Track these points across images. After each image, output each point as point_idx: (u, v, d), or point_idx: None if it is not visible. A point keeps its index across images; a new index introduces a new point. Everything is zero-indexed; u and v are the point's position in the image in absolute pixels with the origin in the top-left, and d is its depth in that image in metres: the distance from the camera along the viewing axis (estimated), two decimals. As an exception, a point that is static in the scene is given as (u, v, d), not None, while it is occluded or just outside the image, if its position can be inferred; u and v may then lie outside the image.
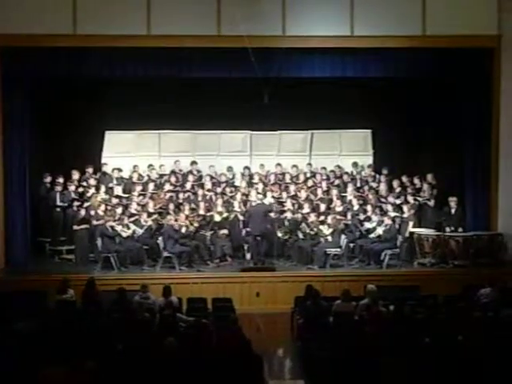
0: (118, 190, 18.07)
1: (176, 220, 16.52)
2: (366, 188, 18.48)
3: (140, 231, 16.68)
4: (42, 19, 16.07)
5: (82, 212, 16.78)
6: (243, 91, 17.76)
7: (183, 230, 16.38)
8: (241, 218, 17.40)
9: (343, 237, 16.51)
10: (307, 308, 12.44)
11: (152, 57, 16.67)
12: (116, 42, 16.20)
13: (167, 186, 18.28)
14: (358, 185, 18.81)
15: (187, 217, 16.80)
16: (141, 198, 17.86)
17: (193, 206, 17.57)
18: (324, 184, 18.62)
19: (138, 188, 18.08)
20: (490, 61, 17.07)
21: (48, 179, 17.82)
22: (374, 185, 18.64)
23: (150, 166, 19.13)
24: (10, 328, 10.32)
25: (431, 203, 17.64)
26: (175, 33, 16.29)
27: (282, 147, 20.26)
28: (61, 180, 17.69)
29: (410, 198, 17.56)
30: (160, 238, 16.34)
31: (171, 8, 16.34)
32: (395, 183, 18.34)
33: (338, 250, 16.41)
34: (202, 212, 17.33)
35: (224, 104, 18.49)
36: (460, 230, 16.88)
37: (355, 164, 19.61)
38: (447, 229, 16.90)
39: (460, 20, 16.64)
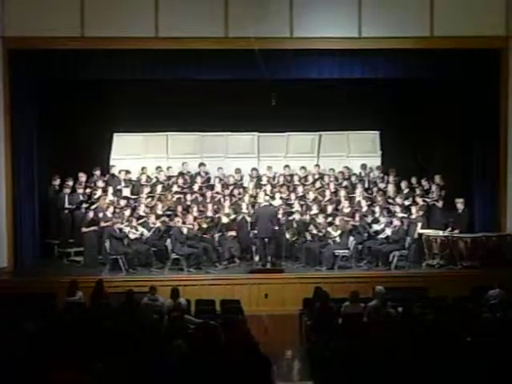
0: (127, 192, 18.11)
1: (184, 222, 16.53)
2: (374, 189, 18.48)
3: (148, 233, 16.69)
4: (50, 22, 16.13)
5: (90, 214, 16.81)
6: (251, 93, 17.80)
7: (184, 230, 16.38)
8: (248, 219, 17.40)
9: (351, 238, 16.49)
10: (315, 310, 12.41)
11: (160, 59, 16.75)
12: (124, 44, 16.29)
13: (175, 188, 18.32)
14: (367, 186, 18.81)
15: (195, 218, 16.82)
16: (149, 199, 17.89)
17: (201, 207, 17.60)
18: (332, 185, 18.61)
19: (146, 190, 18.12)
20: (497, 62, 17.06)
21: (57, 181, 17.89)
22: (383, 186, 18.63)
23: (158, 167, 19.19)
24: (19, 329, 10.33)
25: (439, 204, 17.62)
26: (183, 35, 16.34)
27: (289, 149, 20.28)
28: (70, 182, 17.76)
29: (419, 199, 17.53)
30: (168, 240, 16.35)
31: (179, 10, 16.40)
32: (403, 184, 18.33)
33: (347, 251, 16.40)
34: (209, 214, 17.35)
35: (232, 106, 18.54)
36: (456, 231, 16.75)
37: (364, 166, 19.61)
38: (453, 230, 16.80)
39: (468, 21, 16.64)
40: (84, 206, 17.45)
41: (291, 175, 19.27)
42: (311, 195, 18.22)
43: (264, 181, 18.88)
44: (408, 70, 17.13)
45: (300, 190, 18.51)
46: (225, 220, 17.27)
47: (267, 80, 16.01)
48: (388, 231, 16.53)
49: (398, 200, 17.59)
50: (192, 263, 16.22)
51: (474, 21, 16.64)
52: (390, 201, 17.90)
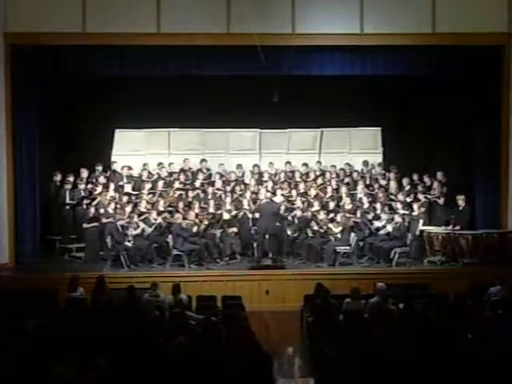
0: (128, 188, 18.11)
1: (185, 218, 16.53)
2: (375, 186, 18.47)
3: (149, 229, 16.69)
4: (51, 17, 16.15)
5: (92, 210, 16.80)
6: (253, 89, 17.80)
7: (194, 228, 16.39)
8: (250, 215, 17.41)
9: (353, 235, 16.47)
10: (317, 306, 12.41)
11: (161, 55, 16.73)
12: (126, 40, 16.29)
13: (177, 184, 18.31)
14: (368, 183, 18.80)
15: (197, 215, 16.82)
16: (150, 196, 17.89)
17: (202, 204, 17.59)
18: (334, 182, 18.60)
19: (148, 186, 18.11)
20: (499, 59, 17.05)
21: (58, 177, 17.88)
22: (384, 183, 18.61)
23: (160, 164, 19.18)
24: (21, 326, 10.34)
25: (441, 201, 17.59)
26: (185, 31, 16.34)
27: (291, 145, 20.28)
28: (71, 178, 17.75)
29: (421, 196, 17.52)
30: (169, 236, 16.35)
31: (181, 6, 16.40)
32: (405, 181, 18.31)
33: (348, 248, 16.38)
34: (211, 210, 17.35)
35: (233, 102, 18.54)
36: (457, 227, 16.73)
37: (365, 162, 19.60)
38: (454, 226, 16.78)
39: (470, 18, 16.63)
40: (85, 201, 17.44)
41: (293, 172, 19.26)
42: (313, 192, 18.21)
43: (265, 177, 18.87)
44: (410, 66, 17.12)
45: (301, 186, 18.50)
46: (226, 216, 17.25)
47: (268, 71, 16.00)
48: (389, 228, 16.53)
49: (400, 197, 17.57)
50: (193, 259, 16.22)
51: (476, 18, 16.63)
52: (392, 197, 17.89)
